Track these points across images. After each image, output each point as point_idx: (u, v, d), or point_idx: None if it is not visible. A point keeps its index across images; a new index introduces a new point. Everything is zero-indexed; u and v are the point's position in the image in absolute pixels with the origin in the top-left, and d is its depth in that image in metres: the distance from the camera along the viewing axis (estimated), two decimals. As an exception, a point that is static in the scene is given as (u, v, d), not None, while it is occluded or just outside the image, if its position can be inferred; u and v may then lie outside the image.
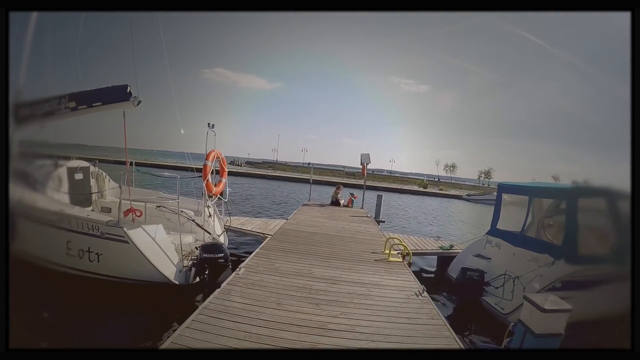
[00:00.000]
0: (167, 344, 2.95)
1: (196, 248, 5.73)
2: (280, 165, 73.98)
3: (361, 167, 14.53)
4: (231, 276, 4.85)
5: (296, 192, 27.01)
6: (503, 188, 7.73)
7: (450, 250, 8.15)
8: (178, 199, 5.94)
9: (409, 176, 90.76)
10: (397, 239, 7.43)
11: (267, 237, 7.51)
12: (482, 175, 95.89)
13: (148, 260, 5.04)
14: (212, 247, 5.54)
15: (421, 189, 48.18)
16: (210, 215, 6.33)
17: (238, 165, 64.00)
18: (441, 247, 8.20)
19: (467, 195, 40.32)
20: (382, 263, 6.24)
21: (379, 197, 12.70)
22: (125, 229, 5.04)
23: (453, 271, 7.14)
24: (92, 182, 7.19)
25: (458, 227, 17.31)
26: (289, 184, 35.38)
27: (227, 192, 6.95)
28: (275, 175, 41.86)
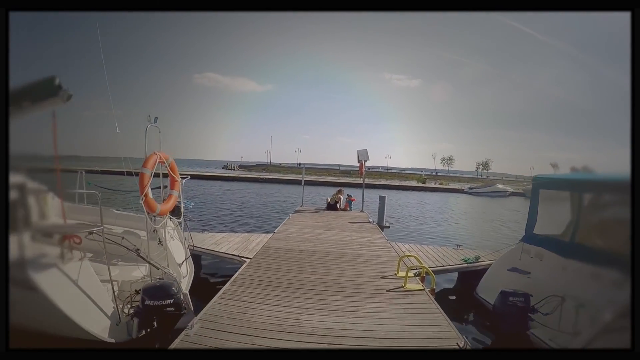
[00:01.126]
0: None
1: (136, 291, 4.06)
2: (274, 167, 72.51)
3: (358, 164, 12.89)
4: (179, 338, 3.19)
5: (293, 195, 25.37)
6: (541, 183, 6.05)
7: (476, 263, 6.52)
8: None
9: (405, 172, 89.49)
10: (414, 257, 5.80)
11: (246, 261, 5.84)
12: (480, 167, 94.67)
13: (65, 314, 3.40)
14: (155, 291, 3.87)
15: (420, 185, 46.79)
16: (160, 242, 4.62)
17: (231, 169, 63.55)
18: (465, 260, 6.56)
19: (469, 188, 38.85)
20: (399, 294, 4.59)
21: (382, 199, 11.05)
22: (30, 271, 3.39)
23: (485, 291, 5.56)
24: (31, 201, 5.49)
25: (473, 227, 15.69)
26: (285, 186, 33.74)
27: (185, 208, 5.25)
28: (269, 178, 40.13)
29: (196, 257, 6.56)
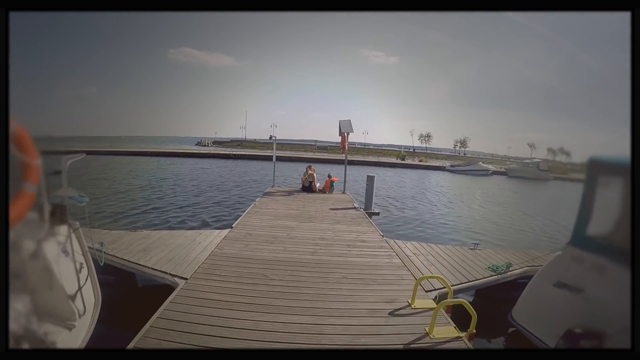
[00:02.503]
0: None
1: None
2: (249, 142, 69.15)
3: (340, 138, 10.81)
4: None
5: (268, 173, 23.08)
6: (601, 166, 4.16)
7: (508, 273, 4.77)
8: None
9: (382, 148, 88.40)
10: (439, 279, 3.88)
11: (178, 284, 3.77)
12: (458, 144, 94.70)
13: None
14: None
15: (400, 161, 45.53)
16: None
17: (205, 146, 60.92)
18: (493, 269, 4.78)
19: (451, 165, 37.84)
20: (426, 350, 2.69)
21: (370, 180, 9.07)
22: None
23: (524, 317, 3.94)
24: None
25: (475, 213, 13.95)
26: (260, 163, 31.30)
27: (75, 206, 3.03)
28: (242, 154, 37.36)
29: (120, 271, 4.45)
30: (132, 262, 4.38)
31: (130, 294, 4.69)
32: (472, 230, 9.94)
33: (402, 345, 2.79)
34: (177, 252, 4.74)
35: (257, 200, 8.90)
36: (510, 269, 4.80)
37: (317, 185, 10.88)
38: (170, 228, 7.82)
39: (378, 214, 9.12)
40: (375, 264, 4.69)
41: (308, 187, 10.62)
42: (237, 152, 39.70)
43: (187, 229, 7.13)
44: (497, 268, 4.78)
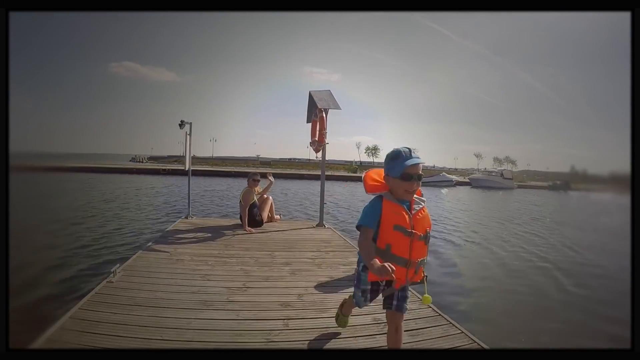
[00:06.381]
0: None
1: None
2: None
3: (311, 124, 5.95)
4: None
5: (196, 189, 17.43)
6: None
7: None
8: None
9: (328, 162, 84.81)
10: None
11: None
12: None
13: None
14: None
15: (351, 174, 42.12)
16: None
17: (140, 162, 57.41)
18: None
19: (413, 177, 34.72)
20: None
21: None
22: None
23: None
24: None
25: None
26: (194, 178, 25.24)
27: None
28: (174, 170, 30.89)
29: None
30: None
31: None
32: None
33: None
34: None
35: (134, 255, 3.68)
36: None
37: (275, 214, 6.11)
38: None
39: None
40: None
41: (252, 217, 5.54)
42: (167, 167, 33.24)
43: None
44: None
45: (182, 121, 6.12)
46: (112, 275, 3.03)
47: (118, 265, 3.20)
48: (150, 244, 4.32)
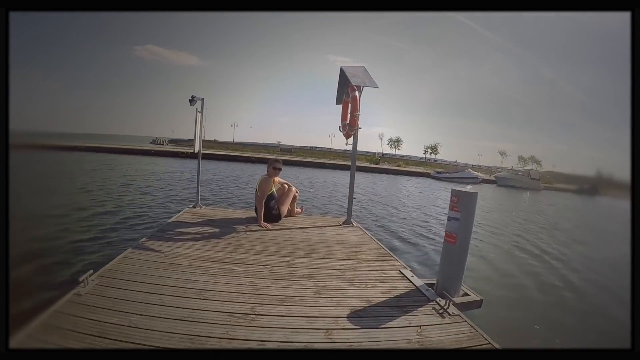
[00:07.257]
0: None
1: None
2: (207, 142, 62.78)
3: (349, 102, 5.04)
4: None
5: (211, 175, 17.03)
6: None
7: None
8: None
9: (348, 152, 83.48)
10: None
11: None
12: (429, 150, 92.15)
13: None
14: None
15: (373, 165, 40.98)
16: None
17: (160, 144, 57.33)
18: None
19: (437, 172, 33.45)
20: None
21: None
22: None
23: None
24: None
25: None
26: (215, 162, 26.66)
27: None
28: (188, 153, 30.78)
29: None
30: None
31: None
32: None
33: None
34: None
35: (127, 250, 2.96)
36: None
37: (297, 207, 5.33)
38: None
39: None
40: None
41: (268, 210, 4.76)
42: (186, 150, 33.20)
43: None
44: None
45: (192, 97, 5.33)
46: (81, 284, 2.30)
47: (91, 271, 2.46)
48: (144, 239, 3.57)
